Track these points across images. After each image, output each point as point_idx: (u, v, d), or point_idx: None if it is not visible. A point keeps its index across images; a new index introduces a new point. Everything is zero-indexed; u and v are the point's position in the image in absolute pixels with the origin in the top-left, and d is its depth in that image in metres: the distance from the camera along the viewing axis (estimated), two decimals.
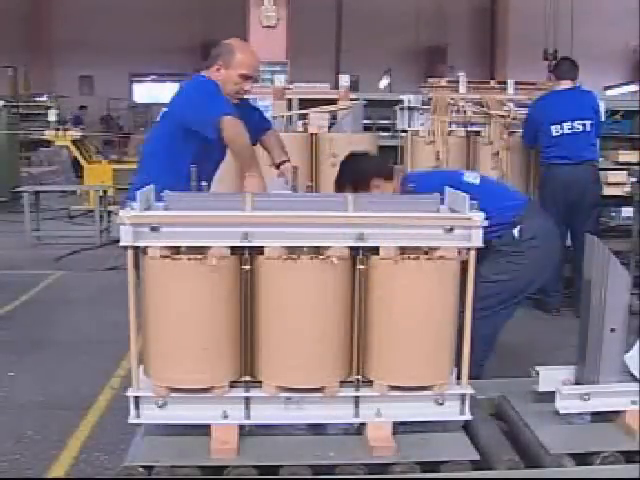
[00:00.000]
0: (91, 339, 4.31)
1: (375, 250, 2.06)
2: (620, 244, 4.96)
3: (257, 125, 3.12)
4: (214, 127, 2.71)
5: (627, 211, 5.72)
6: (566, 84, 4.86)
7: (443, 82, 5.39)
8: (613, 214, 5.98)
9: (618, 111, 6.78)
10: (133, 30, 17.21)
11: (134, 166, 3.87)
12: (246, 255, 2.04)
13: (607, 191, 5.70)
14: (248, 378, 2.11)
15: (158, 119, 3.12)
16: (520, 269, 2.85)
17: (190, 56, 17.77)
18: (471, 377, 2.20)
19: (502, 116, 5.05)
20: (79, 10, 17.11)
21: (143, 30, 17.28)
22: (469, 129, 5.09)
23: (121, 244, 1.97)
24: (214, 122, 2.70)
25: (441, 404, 2.15)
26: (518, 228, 2.87)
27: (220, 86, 2.91)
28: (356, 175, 2.89)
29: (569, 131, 4.76)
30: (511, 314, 2.94)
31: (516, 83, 5.50)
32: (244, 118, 2.81)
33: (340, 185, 2.93)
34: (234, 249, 2.03)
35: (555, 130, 4.75)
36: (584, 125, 4.77)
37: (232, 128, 2.71)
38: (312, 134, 4.71)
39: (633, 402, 2.23)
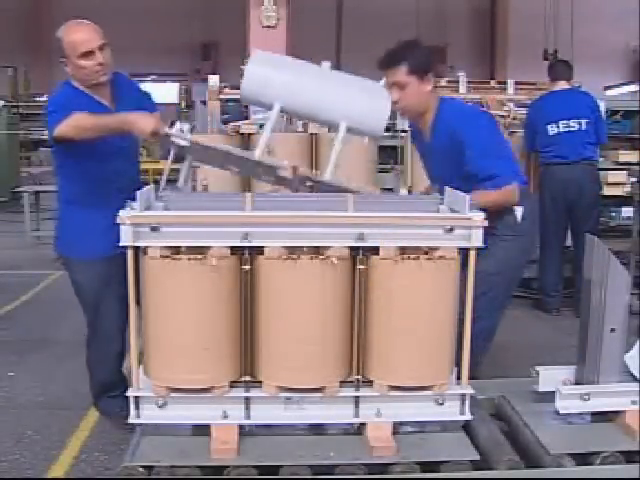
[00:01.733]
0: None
1: (375, 250, 2.06)
2: (620, 244, 4.97)
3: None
4: (54, 144, 2.66)
5: (627, 211, 5.73)
6: (562, 84, 4.86)
7: (443, 82, 5.39)
8: (613, 214, 5.98)
9: (618, 111, 6.79)
10: (133, 30, 17.20)
11: None
12: (246, 255, 2.04)
13: (607, 191, 5.70)
14: (248, 378, 2.11)
15: None
16: (520, 256, 2.86)
17: (190, 56, 17.78)
18: (471, 376, 2.20)
19: (502, 116, 5.05)
20: (79, 10, 17.08)
21: (143, 30, 17.26)
22: None
23: (121, 244, 1.97)
24: (51, 140, 2.65)
25: (441, 404, 2.15)
26: (521, 209, 2.79)
27: (73, 86, 2.75)
28: (428, 58, 2.79)
29: (565, 129, 4.76)
30: (510, 302, 2.94)
31: (516, 83, 5.51)
32: (133, 102, 2.72)
33: (393, 62, 2.70)
34: (234, 249, 2.03)
35: (551, 129, 4.76)
36: (580, 124, 4.77)
37: (65, 130, 2.56)
38: (312, 134, 4.72)
39: (633, 402, 2.23)
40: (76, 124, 2.55)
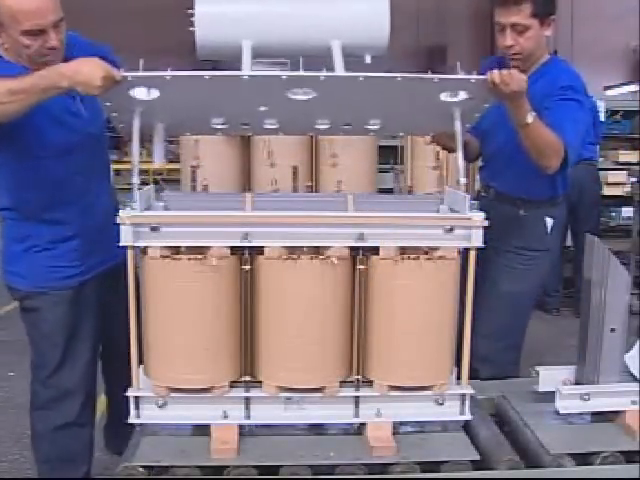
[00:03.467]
0: None
1: (375, 250, 2.06)
2: (620, 244, 4.97)
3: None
4: None
5: (627, 211, 5.74)
6: None
7: None
8: (613, 214, 5.99)
9: (618, 111, 6.79)
10: (132, 30, 17.20)
11: None
12: (246, 255, 2.04)
13: (607, 191, 5.71)
14: (248, 378, 2.11)
15: None
16: (547, 272, 2.86)
17: (190, 56, 17.75)
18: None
19: None
20: (78, 10, 17.14)
21: (142, 30, 17.27)
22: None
23: (121, 244, 1.97)
24: None
25: (441, 404, 2.15)
26: (551, 221, 2.73)
27: (7, 61, 2.08)
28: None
29: None
30: None
31: None
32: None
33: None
34: (234, 249, 2.03)
35: None
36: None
37: None
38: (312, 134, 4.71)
39: (633, 402, 2.23)
40: (7, 90, 1.89)
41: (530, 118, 2.27)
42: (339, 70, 2.04)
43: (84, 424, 2.50)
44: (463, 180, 2.12)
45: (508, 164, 2.67)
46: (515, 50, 2.50)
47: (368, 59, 2.18)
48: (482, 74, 2.07)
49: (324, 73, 1.95)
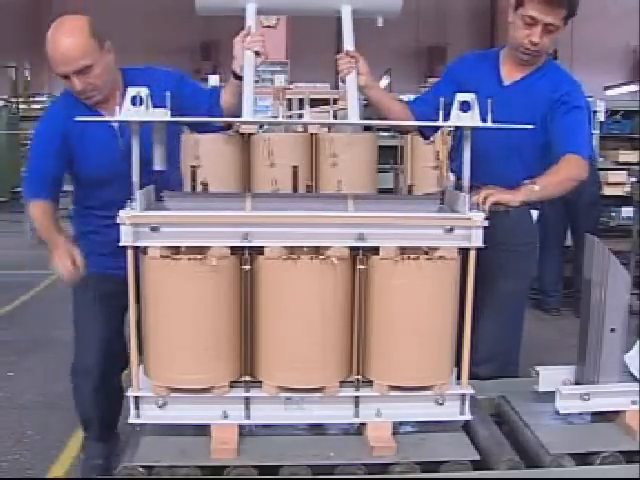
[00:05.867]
0: None
1: (375, 250, 2.06)
2: (620, 244, 4.97)
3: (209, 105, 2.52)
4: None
5: (627, 211, 5.74)
6: None
7: None
8: (613, 214, 5.99)
9: (618, 111, 6.79)
10: (133, 30, 17.19)
11: None
12: (246, 255, 2.04)
13: (607, 191, 5.71)
14: (248, 378, 2.11)
15: None
16: (535, 265, 2.89)
17: (190, 56, 17.76)
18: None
19: None
20: (79, 10, 17.11)
21: (143, 30, 17.27)
22: None
23: (121, 244, 1.97)
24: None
25: (441, 404, 2.15)
26: (537, 212, 2.77)
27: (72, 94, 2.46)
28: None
29: None
30: None
31: None
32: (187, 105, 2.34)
33: (559, 3, 2.46)
34: (234, 249, 2.03)
35: None
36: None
37: (32, 212, 2.52)
38: (312, 134, 4.72)
39: (633, 402, 2.23)
40: (34, 219, 2.53)
41: (537, 188, 2.37)
42: (348, 44, 1.98)
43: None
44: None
45: (491, 167, 2.63)
46: (538, 47, 2.52)
47: (380, 22, 2.14)
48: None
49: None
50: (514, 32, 2.58)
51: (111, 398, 2.74)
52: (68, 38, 2.35)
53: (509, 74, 2.67)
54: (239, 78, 2.41)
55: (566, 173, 2.49)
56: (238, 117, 2.33)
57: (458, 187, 2.49)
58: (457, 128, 2.75)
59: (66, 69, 2.33)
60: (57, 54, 2.34)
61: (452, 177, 2.64)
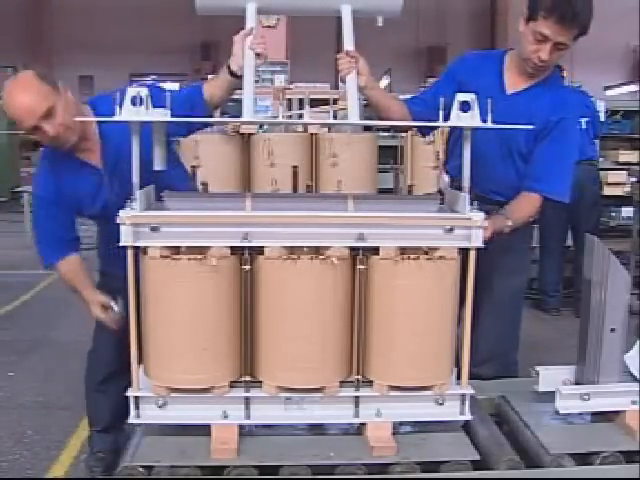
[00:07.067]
0: (91, 339, 4.30)
1: (375, 250, 2.06)
2: (620, 244, 4.98)
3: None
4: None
5: (627, 211, 5.74)
6: None
7: None
8: (613, 214, 5.99)
9: (618, 111, 6.80)
10: (133, 30, 17.19)
11: None
12: (246, 255, 2.04)
13: (607, 191, 5.71)
14: (248, 378, 2.11)
15: None
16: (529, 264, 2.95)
17: (190, 56, 17.77)
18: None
19: None
20: (79, 10, 17.13)
21: (143, 30, 17.26)
22: None
23: (121, 244, 1.97)
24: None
25: (441, 404, 2.15)
26: None
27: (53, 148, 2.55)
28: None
29: None
30: None
31: None
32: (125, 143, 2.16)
33: (573, 23, 2.39)
34: (234, 249, 2.03)
35: None
36: (579, 123, 4.78)
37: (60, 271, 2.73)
38: (312, 134, 4.72)
39: (633, 402, 2.23)
40: (61, 278, 2.75)
41: (510, 223, 2.50)
42: (348, 44, 2.00)
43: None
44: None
45: (489, 172, 2.63)
46: (546, 64, 2.52)
47: (380, 22, 2.13)
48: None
49: None
50: (523, 43, 2.54)
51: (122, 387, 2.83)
52: (23, 92, 2.40)
53: (513, 82, 2.63)
54: (234, 75, 2.44)
55: (528, 211, 2.66)
56: (226, 111, 2.34)
57: (452, 187, 2.51)
58: (454, 129, 2.75)
59: (33, 119, 2.38)
60: (20, 110, 2.39)
61: (446, 178, 2.64)
